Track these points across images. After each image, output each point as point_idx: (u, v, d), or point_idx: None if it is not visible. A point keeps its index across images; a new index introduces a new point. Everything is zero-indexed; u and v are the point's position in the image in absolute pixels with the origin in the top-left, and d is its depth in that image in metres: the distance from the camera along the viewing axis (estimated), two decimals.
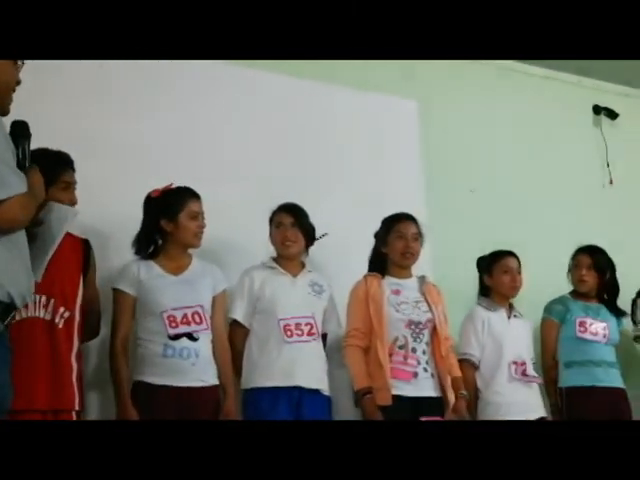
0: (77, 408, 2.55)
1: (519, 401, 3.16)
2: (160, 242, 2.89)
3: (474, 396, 3.22)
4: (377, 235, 3.21)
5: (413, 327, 3.03)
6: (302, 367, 2.89)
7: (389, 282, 3.13)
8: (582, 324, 3.45)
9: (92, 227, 2.89)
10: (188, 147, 3.32)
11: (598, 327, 3.45)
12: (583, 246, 3.61)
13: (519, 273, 3.37)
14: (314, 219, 3.23)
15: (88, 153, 2.90)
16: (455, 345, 3.27)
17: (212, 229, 3.13)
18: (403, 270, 3.17)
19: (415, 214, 3.63)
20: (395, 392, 2.93)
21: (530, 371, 3.22)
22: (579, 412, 3.28)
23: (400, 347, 3.00)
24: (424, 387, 2.98)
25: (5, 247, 1.75)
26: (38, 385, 2.47)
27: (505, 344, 3.24)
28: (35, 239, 1.96)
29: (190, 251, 2.97)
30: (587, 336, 3.43)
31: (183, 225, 2.86)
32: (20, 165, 1.84)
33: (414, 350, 3.01)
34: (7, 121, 1.88)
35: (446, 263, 3.75)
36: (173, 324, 2.74)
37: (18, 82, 1.91)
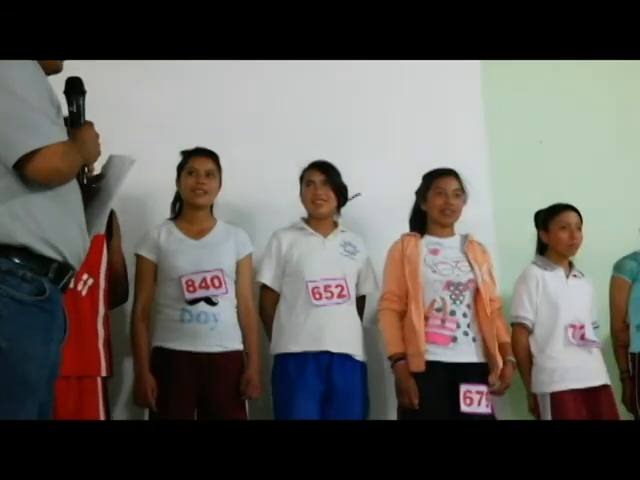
0: (104, 374, 2.57)
1: (576, 367, 2.89)
2: (179, 205, 2.88)
3: (528, 362, 2.97)
4: (417, 192, 3.02)
5: (452, 288, 2.83)
6: (331, 331, 2.77)
7: (428, 241, 2.94)
8: None
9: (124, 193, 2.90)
10: (215, 108, 3.24)
11: None
12: None
13: (579, 229, 3.06)
14: (366, 179, 3.15)
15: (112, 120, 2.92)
16: (508, 307, 3.05)
17: (244, 189, 3.14)
18: (444, 228, 2.96)
19: (476, 166, 3.51)
20: (431, 358, 2.76)
21: (589, 335, 2.93)
22: None
23: (438, 310, 2.81)
24: (464, 352, 2.79)
25: (55, 202, 1.69)
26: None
27: (561, 306, 2.96)
28: (96, 195, 1.88)
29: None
30: None
31: (182, 183, 2.83)
32: (74, 120, 1.81)
33: (453, 313, 2.81)
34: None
35: (509, 218, 3.53)
36: (191, 288, 2.69)
37: None
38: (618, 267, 3.22)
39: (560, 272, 3.06)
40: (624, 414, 3.08)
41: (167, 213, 2.92)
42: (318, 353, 2.76)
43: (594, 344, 2.95)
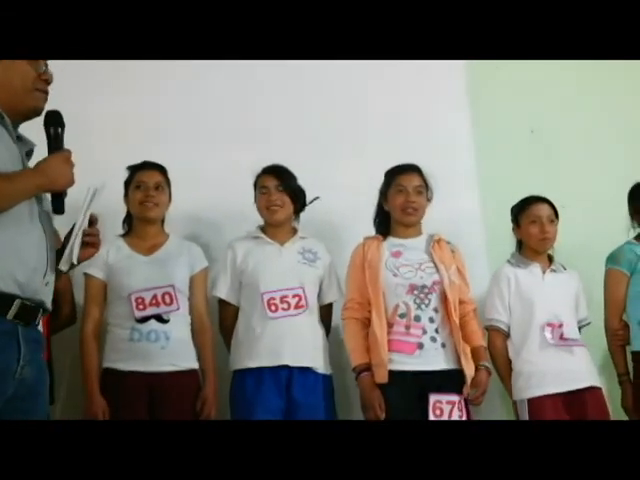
0: None
1: (556, 370, 2.70)
2: (129, 221, 2.82)
3: (507, 368, 2.80)
4: (380, 191, 2.89)
5: (416, 292, 2.69)
6: (289, 344, 2.65)
7: (391, 243, 2.80)
8: None
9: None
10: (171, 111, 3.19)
11: None
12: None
13: (551, 222, 2.88)
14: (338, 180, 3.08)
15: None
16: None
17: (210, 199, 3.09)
18: (407, 228, 2.82)
19: (462, 159, 3.44)
20: (396, 367, 2.62)
21: (569, 334, 2.73)
22: None
23: (401, 316, 2.67)
24: (432, 360, 2.64)
25: None
26: None
27: (536, 304, 2.78)
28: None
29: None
30: None
31: (130, 197, 2.77)
32: (49, 150, 1.86)
33: (418, 318, 2.67)
34: None
35: (498, 214, 3.34)
36: (141, 306, 2.62)
37: (46, 80, 1.91)
38: (614, 258, 2.96)
39: (535, 268, 2.88)
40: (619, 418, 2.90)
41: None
42: (276, 368, 2.64)
43: (575, 343, 2.75)
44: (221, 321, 2.84)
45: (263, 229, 2.86)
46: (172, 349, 2.61)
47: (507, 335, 2.84)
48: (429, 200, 2.86)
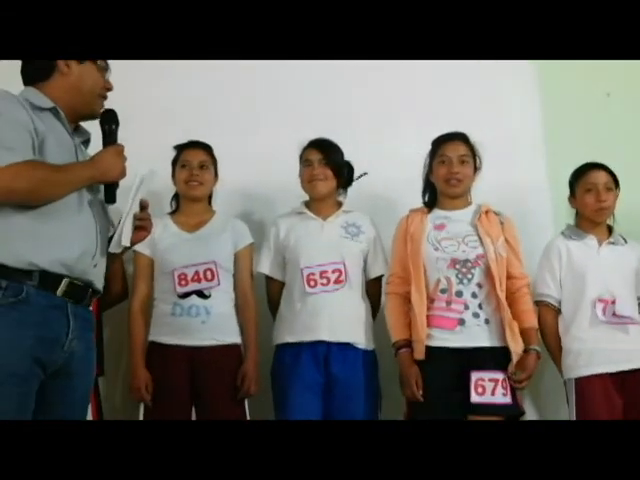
0: None
1: (606, 348, 2.56)
2: (177, 199, 2.90)
3: (557, 346, 2.68)
4: (425, 161, 2.82)
5: (458, 266, 2.62)
6: (326, 319, 2.65)
7: (435, 216, 2.74)
8: None
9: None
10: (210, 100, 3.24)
11: None
12: None
13: (608, 190, 2.72)
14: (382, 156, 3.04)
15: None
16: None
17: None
18: (453, 200, 2.74)
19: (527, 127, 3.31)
20: (436, 343, 2.58)
21: (621, 310, 2.57)
22: None
23: (442, 291, 2.61)
24: (474, 336, 2.57)
25: (29, 218, 1.85)
26: None
27: (589, 278, 2.63)
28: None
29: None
30: None
31: (176, 176, 2.84)
32: (104, 145, 2.02)
33: (459, 293, 2.60)
34: None
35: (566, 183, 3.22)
36: (183, 282, 2.70)
37: (109, 88, 2.08)
38: None
39: (591, 241, 2.73)
40: None
41: None
42: (314, 343, 2.65)
43: (628, 320, 2.59)
44: (268, 297, 2.88)
45: (308, 204, 2.87)
46: (213, 324, 2.67)
47: (558, 311, 2.71)
48: (478, 169, 2.76)
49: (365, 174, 2.91)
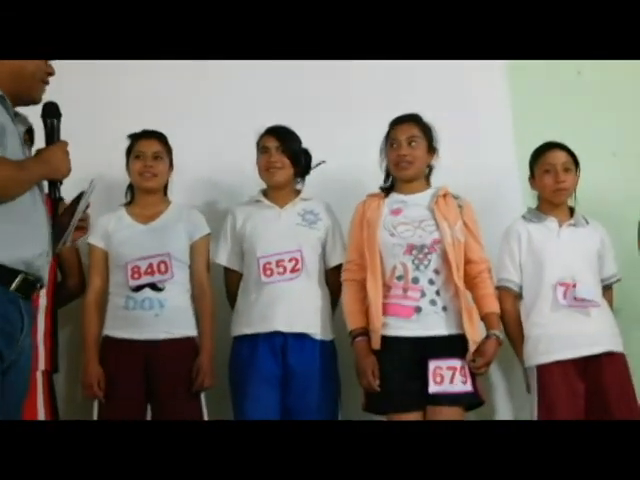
0: (42, 368, 2.60)
1: (567, 333, 2.52)
2: (132, 191, 2.86)
3: (519, 332, 2.64)
4: (380, 145, 2.77)
5: (415, 252, 2.57)
6: (282, 309, 2.62)
7: (392, 200, 2.69)
8: None
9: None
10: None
11: None
12: None
13: (566, 170, 2.66)
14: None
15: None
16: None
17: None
18: (409, 184, 2.69)
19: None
20: (392, 332, 2.54)
21: (582, 293, 2.52)
22: None
23: (399, 278, 2.57)
24: (431, 324, 2.53)
25: None
26: None
27: (548, 262, 2.59)
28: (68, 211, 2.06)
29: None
30: None
31: (130, 167, 2.80)
32: (47, 141, 2.01)
33: (416, 280, 2.55)
34: None
35: None
36: (136, 275, 2.67)
37: (50, 73, 2.03)
38: None
39: (551, 223, 2.68)
40: None
41: None
42: (270, 334, 2.62)
43: (589, 304, 2.54)
44: (226, 288, 2.85)
45: (265, 192, 2.83)
46: (167, 317, 2.64)
47: (519, 296, 2.67)
48: (433, 151, 2.72)
49: (323, 162, 2.86)
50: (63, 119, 2.03)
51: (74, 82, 3.04)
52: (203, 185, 3.20)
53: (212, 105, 3.19)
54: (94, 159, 2.87)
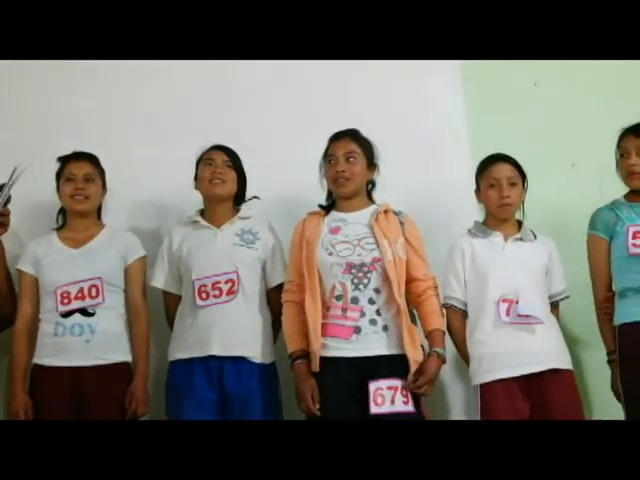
0: None
1: (510, 351, 2.47)
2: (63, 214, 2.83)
3: (466, 350, 2.59)
4: (320, 162, 2.74)
5: (354, 271, 2.53)
6: (218, 333, 2.57)
7: (332, 218, 2.65)
8: (637, 235, 2.58)
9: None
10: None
11: None
12: (630, 126, 2.70)
13: (512, 185, 2.62)
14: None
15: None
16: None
17: None
18: (349, 201, 2.66)
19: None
20: (331, 354, 2.49)
21: (524, 309, 2.47)
22: (637, 361, 2.48)
23: (337, 298, 2.53)
24: (372, 344, 2.48)
25: None
26: None
27: (490, 277, 2.54)
28: None
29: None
30: None
31: (61, 190, 2.76)
32: None
33: (355, 300, 2.51)
34: None
35: None
36: (65, 300, 2.62)
37: None
38: (592, 222, 2.72)
39: (496, 238, 2.64)
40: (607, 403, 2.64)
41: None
42: (205, 358, 2.57)
43: (531, 320, 2.49)
44: (165, 312, 2.80)
45: (202, 212, 2.79)
46: (98, 342, 2.59)
47: (465, 314, 2.62)
48: (372, 167, 2.68)
49: (256, 197, 2.83)
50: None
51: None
52: (143, 207, 3.15)
53: (153, 123, 3.16)
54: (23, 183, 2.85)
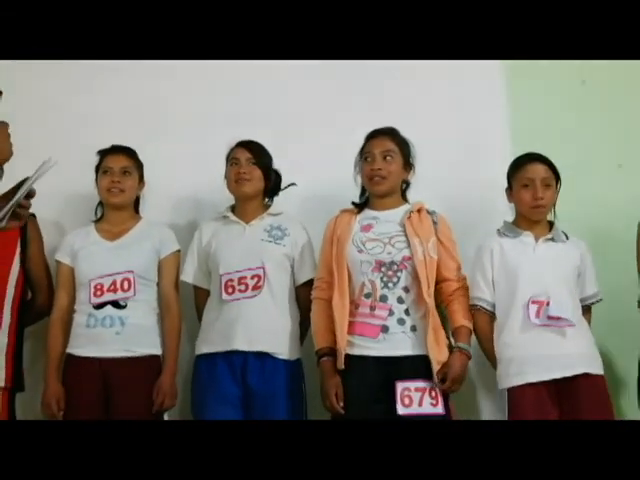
0: (1, 384, 2.63)
1: (540, 354, 2.46)
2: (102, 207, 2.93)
3: (494, 352, 2.59)
4: (355, 160, 2.78)
5: (384, 270, 2.56)
6: (242, 328, 2.62)
7: (364, 216, 2.69)
8: None
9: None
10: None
11: None
12: None
13: (547, 186, 2.60)
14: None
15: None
16: None
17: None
18: (382, 199, 2.69)
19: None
20: (357, 352, 2.53)
21: (555, 311, 2.45)
22: None
23: (366, 296, 2.56)
24: (399, 344, 2.51)
25: None
26: None
27: (521, 278, 2.53)
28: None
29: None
30: None
31: (99, 183, 2.85)
32: None
33: (384, 298, 2.54)
34: None
35: None
36: (99, 292, 2.71)
37: None
38: None
39: (527, 238, 2.63)
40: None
41: None
42: (229, 353, 2.62)
43: (562, 323, 2.47)
44: (196, 306, 2.87)
45: (233, 208, 2.85)
46: (128, 335, 2.67)
47: (493, 315, 2.62)
48: (408, 167, 2.71)
49: (293, 184, 2.88)
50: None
51: (43, 91, 3.17)
52: (183, 202, 3.22)
53: (187, 120, 3.22)
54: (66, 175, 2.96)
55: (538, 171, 2.63)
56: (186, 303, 2.89)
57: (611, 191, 3.25)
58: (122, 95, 3.22)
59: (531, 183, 2.62)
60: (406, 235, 2.60)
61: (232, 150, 2.85)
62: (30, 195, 1.99)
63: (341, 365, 2.52)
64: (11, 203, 1.93)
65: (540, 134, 3.28)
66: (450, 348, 2.56)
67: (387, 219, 2.66)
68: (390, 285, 2.56)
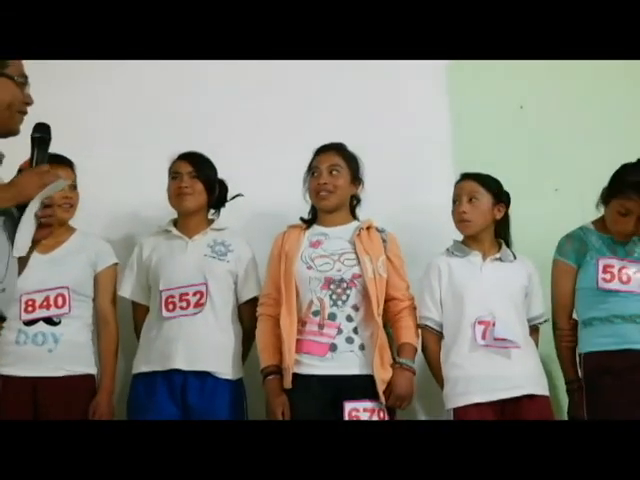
0: None
1: (486, 375, 2.52)
2: None
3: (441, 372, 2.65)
4: (304, 175, 2.81)
5: (333, 287, 2.59)
6: (182, 346, 2.60)
7: (313, 232, 2.71)
8: (607, 269, 2.66)
9: None
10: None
11: (631, 272, 2.64)
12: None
13: (470, 200, 2.67)
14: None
15: None
16: None
17: None
18: (331, 215, 2.71)
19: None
20: (304, 370, 2.54)
21: (500, 332, 2.52)
22: (602, 390, 2.56)
23: (315, 313, 2.58)
24: (347, 363, 2.53)
25: None
26: None
27: (467, 298, 2.59)
28: None
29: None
30: (614, 286, 2.63)
31: None
32: (32, 162, 1.99)
33: (333, 316, 2.57)
34: None
35: None
36: (30, 309, 2.65)
37: (28, 103, 2.01)
38: (560, 248, 2.78)
39: (475, 257, 2.70)
40: None
41: None
42: (168, 372, 2.59)
43: (508, 344, 2.54)
44: (134, 323, 2.83)
45: (176, 222, 2.83)
46: (61, 352, 2.61)
47: (441, 335, 2.68)
48: (356, 182, 2.74)
49: (240, 195, 2.87)
50: None
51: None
52: (121, 215, 3.17)
53: (130, 130, 3.19)
54: None
55: (464, 187, 2.72)
56: (122, 319, 2.84)
57: (547, 215, 3.39)
58: (57, 102, 3.14)
59: (458, 199, 2.71)
60: (356, 252, 2.63)
61: (173, 163, 2.82)
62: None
63: (288, 384, 2.53)
64: (27, 225, 1.95)
65: (480, 157, 3.41)
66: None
67: (336, 235, 2.69)
68: (339, 303, 2.58)
